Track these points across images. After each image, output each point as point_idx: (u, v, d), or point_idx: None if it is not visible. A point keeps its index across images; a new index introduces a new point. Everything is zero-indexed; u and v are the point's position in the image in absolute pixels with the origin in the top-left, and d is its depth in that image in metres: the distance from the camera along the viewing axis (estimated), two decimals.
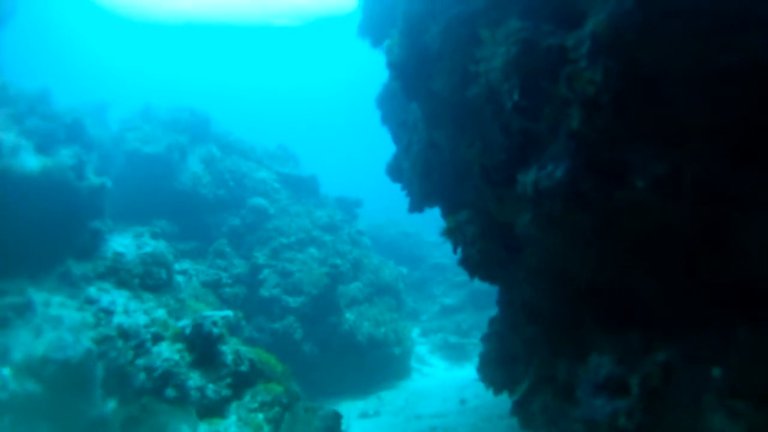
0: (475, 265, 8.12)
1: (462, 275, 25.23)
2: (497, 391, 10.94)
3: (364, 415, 14.48)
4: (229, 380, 9.28)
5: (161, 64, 50.46)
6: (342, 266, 17.17)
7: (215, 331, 9.32)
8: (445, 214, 9.78)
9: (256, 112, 50.96)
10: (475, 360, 20.72)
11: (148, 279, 10.73)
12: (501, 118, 6.18)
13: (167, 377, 9.15)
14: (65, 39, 42.76)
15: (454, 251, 9.84)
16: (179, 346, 9.47)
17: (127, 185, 16.91)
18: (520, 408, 9.13)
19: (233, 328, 15.42)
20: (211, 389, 9.10)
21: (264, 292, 16.49)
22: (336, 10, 41.57)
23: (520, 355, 9.91)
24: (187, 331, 9.48)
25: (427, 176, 10.10)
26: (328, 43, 49.79)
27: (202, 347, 9.37)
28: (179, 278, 13.39)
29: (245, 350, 9.76)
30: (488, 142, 6.73)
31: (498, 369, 10.83)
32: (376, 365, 16.77)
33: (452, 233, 8.39)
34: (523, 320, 9.09)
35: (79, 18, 42.71)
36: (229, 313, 10.44)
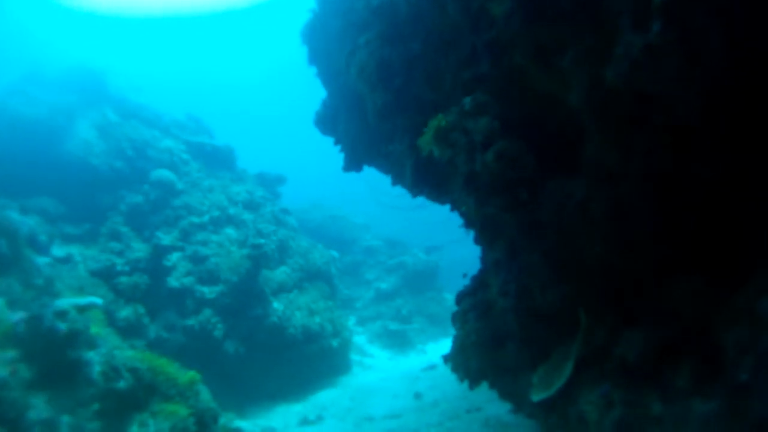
0: (492, 183, 4.37)
1: (396, 257, 22.18)
2: (474, 383, 7.54)
3: (305, 422, 11.17)
4: (96, 406, 5.12)
5: (98, 54, 44.19)
6: (266, 246, 13.20)
7: (61, 327, 5.04)
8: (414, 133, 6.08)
9: (184, 101, 45.52)
10: (419, 347, 17.65)
11: None
12: None
13: None
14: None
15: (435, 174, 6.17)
16: (11, 354, 5.22)
17: (1, 157, 12.45)
18: (551, 409, 5.62)
19: (133, 329, 11.27)
20: (66, 424, 4.96)
21: (173, 282, 12.39)
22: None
23: (514, 335, 6.52)
24: (20, 328, 5.23)
25: (385, 83, 6.43)
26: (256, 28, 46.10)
27: (47, 354, 5.15)
28: (44, 261, 8.99)
29: (127, 356, 5.61)
30: None
31: (479, 355, 7.29)
32: (312, 361, 13.44)
33: (445, 138, 4.59)
34: (546, 275, 5.57)
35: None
36: (95, 299, 6.28)
